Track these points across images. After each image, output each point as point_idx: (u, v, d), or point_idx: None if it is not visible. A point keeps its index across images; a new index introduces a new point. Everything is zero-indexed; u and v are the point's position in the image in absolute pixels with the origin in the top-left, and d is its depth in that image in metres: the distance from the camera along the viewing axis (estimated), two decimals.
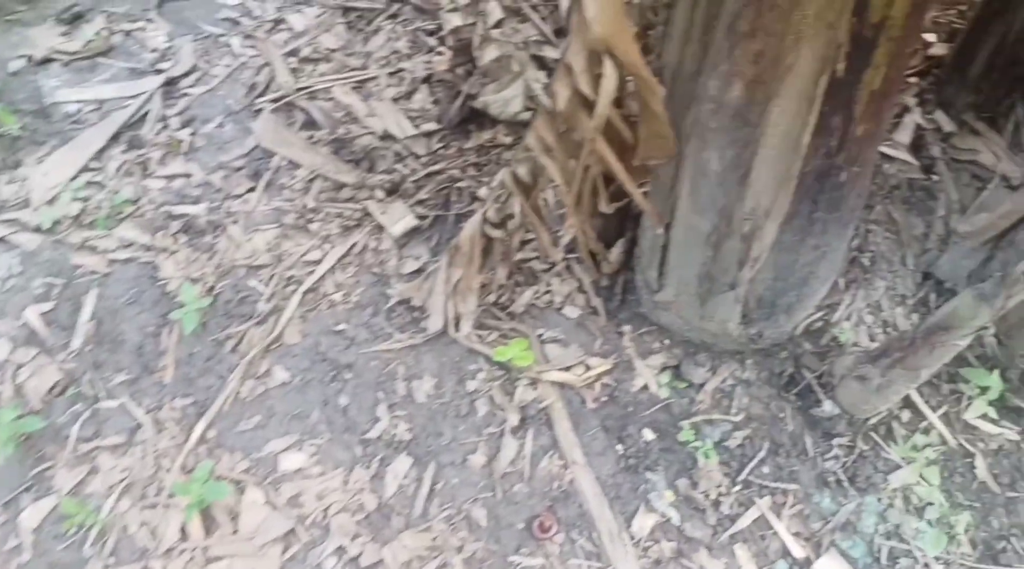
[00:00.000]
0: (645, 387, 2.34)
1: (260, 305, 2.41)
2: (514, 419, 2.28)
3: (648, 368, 2.35)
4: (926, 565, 2.08)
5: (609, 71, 1.55)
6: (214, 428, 2.24)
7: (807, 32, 1.43)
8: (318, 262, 2.48)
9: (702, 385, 2.32)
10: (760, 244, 1.88)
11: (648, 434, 2.28)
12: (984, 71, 2.35)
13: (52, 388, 2.27)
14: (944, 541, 2.10)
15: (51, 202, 2.51)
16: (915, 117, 2.51)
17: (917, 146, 2.51)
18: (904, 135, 2.51)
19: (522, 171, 1.96)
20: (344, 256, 2.50)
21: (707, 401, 2.29)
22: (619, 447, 2.26)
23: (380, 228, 2.53)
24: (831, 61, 1.47)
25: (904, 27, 1.47)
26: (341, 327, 2.39)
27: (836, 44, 1.44)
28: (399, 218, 2.51)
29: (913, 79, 2.63)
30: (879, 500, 2.17)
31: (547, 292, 2.45)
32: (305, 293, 2.43)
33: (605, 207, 1.96)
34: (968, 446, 2.21)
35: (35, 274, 2.45)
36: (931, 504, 2.13)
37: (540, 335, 2.41)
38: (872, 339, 2.29)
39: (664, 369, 2.36)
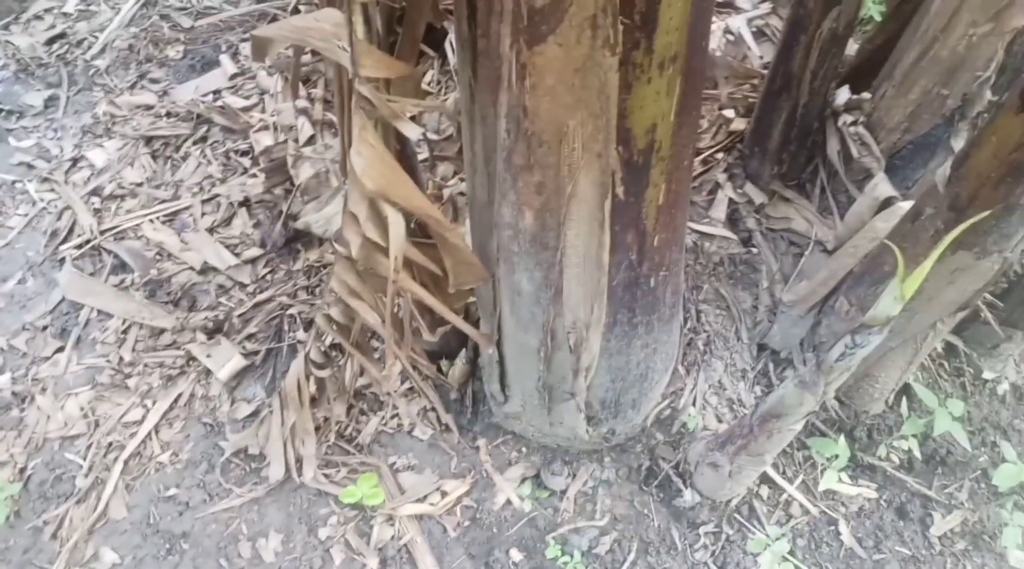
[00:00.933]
0: (508, 502, 2.32)
1: (79, 481, 2.24)
2: (374, 563, 2.20)
3: (508, 482, 2.34)
4: None
5: (393, 218, 1.57)
6: None
7: (579, 163, 1.50)
8: (140, 421, 2.34)
9: (563, 491, 2.33)
10: (588, 354, 1.93)
11: (516, 555, 2.25)
12: (781, 142, 2.53)
13: None
14: None
15: None
16: (727, 192, 2.67)
17: (733, 220, 2.66)
18: (719, 211, 2.66)
19: (335, 312, 1.94)
20: (169, 410, 2.38)
21: (571, 508, 2.29)
22: None
23: (207, 372, 2.43)
24: (609, 186, 1.54)
25: (673, 146, 1.55)
26: (172, 491, 2.25)
27: (609, 171, 1.51)
28: (226, 359, 2.42)
29: (720, 155, 2.80)
30: None
31: (394, 416, 2.41)
32: (127, 460, 2.28)
33: (429, 337, 1.96)
34: (830, 512, 2.31)
35: None
36: None
37: (392, 464, 2.36)
38: (719, 419, 2.37)
39: (524, 480, 2.35)
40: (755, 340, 2.48)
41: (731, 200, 2.73)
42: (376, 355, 2.38)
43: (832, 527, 2.29)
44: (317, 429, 2.24)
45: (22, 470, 2.26)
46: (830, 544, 2.27)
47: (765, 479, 2.32)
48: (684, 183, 1.78)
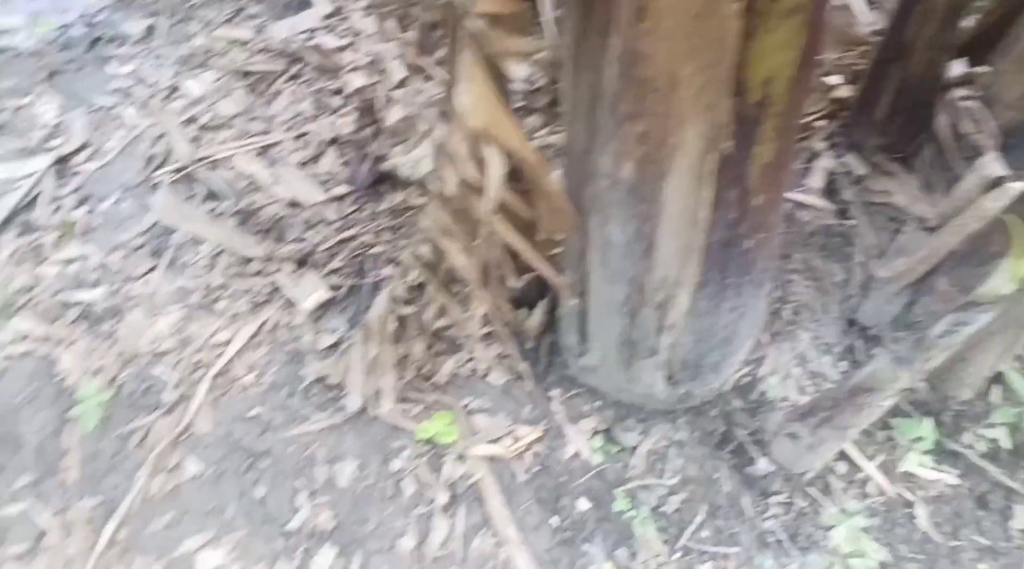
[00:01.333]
0: (577, 454, 2.36)
1: (166, 394, 2.38)
2: (443, 498, 2.29)
3: (579, 433, 2.38)
4: None
5: (493, 158, 1.59)
6: (124, 529, 2.21)
7: (688, 114, 1.48)
8: (227, 343, 2.47)
9: (635, 448, 2.35)
10: (675, 312, 1.93)
11: (583, 504, 2.30)
12: (889, 114, 2.44)
13: None
14: None
15: None
16: (826, 161, 2.59)
17: (830, 191, 2.59)
18: (816, 180, 2.58)
19: (424, 250, 1.99)
20: (255, 335, 2.49)
21: (641, 465, 2.32)
22: (554, 519, 2.28)
23: (291, 303, 2.53)
24: (716, 140, 1.52)
25: (788, 102, 1.52)
26: (255, 412, 2.37)
27: (719, 124, 1.49)
28: (311, 291, 2.51)
29: (821, 122, 2.71)
30: (821, 558, 2.22)
31: (470, 360, 2.47)
32: (214, 378, 2.41)
33: (514, 282, 1.99)
34: (907, 495, 2.27)
35: None
36: (874, 562, 2.19)
37: (466, 405, 2.42)
38: (801, 391, 2.34)
39: (596, 433, 2.39)
40: (844, 315, 2.43)
41: (829, 170, 2.66)
42: (458, 298, 2.43)
43: (908, 510, 2.26)
44: (396, 365, 2.31)
45: (113, 380, 2.41)
46: (904, 526, 2.24)
47: (843, 455, 2.30)
48: (792, 143, 1.74)
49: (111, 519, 2.21)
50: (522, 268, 2.08)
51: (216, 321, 2.50)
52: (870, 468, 2.29)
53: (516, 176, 1.83)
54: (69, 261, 2.60)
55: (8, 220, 2.69)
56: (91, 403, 2.28)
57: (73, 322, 2.48)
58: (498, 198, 1.70)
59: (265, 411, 2.37)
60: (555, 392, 2.44)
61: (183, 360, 2.43)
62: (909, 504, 2.26)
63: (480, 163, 1.67)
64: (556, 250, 2.10)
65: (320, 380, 2.42)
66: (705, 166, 1.57)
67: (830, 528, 2.24)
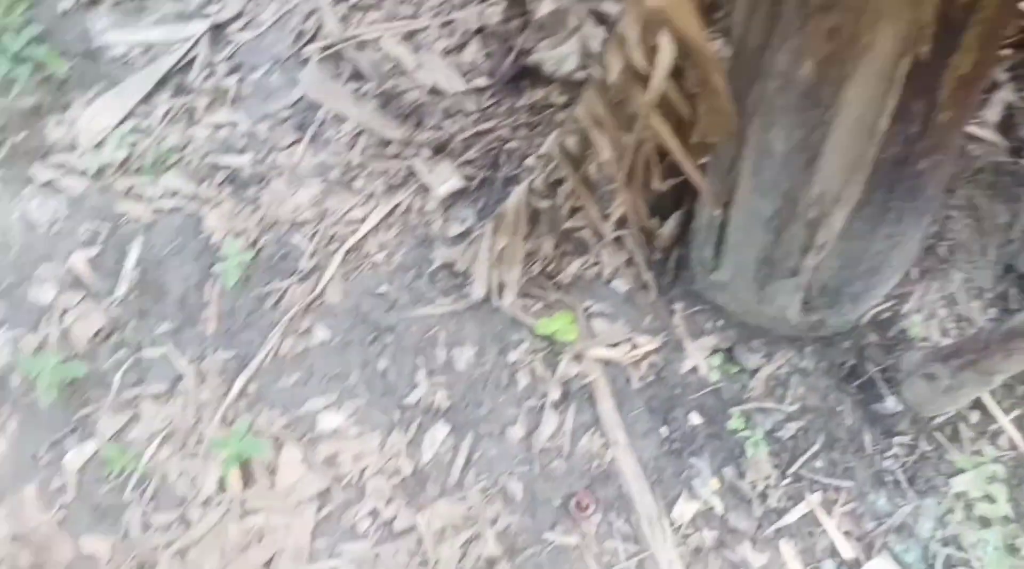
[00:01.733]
0: (694, 369, 2.35)
1: (302, 262, 2.49)
2: (555, 394, 2.33)
3: (699, 350, 2.37)
4: None
5: (665, 44, 1.54)
6: (254, 383, 2.37)
7: (889, 10, 1.39)
8: (361, 221, 2.54)
9: (755, 371, 2.33)
10: (827, 231, 1.86)
11: (695, 418, 2.31)
12: None
13: (97, 334, 2.41)
14: (1008, 560, 2.09)
15: (98, 147, 2.62)
16: (1006, 94, 2.39)
17: (1007, 126, 2.39)
18: (993, 113, 2.40)
19: (570, 142, 1.97)
20: (388, 215, 2.55)
21: (760, 388, 2.30)
22: (663, 430, 2.30)
23: (425, 188, 2.57)
24: (914, 42, 1.42)
25: (998, 9, 1.40)
26: (383, 289, 2.46)
27: (920, 24, 1.39)
28: (445, 178, 2.55)
29: (1007, 51, 2.49)
30: (939, 504, 2.17)
31: (596, 264, 2.47)
32: (347, 252, 2.50)
33: (659, 184, 1.96)
34: None
35: (81, 219, 2.59)
36: (996, 515, 2.12)
37: (587, 308, 2.44)
38: (944, 334, 2.24)
39: (715, 351, 2.37)
40: (1002, 260, 2.29)
41: (1009, 104, 2.47)
42: (595, 197, 2.41)
43: None
44: (523, 259, 2.34)
45: (254, 242, 2.53)
46: None
47: (978, 405, 2.21)
48: (993, 58, 1.62)
49: (243, 372, 2.36)
50: (667, 172, 2.05)
51: (353, 198, 2.57)
52: (1005, 421, 2.20)
53: (679, 73, 1.78)
54: (219, 126, 2.71)
55: (164, 80, 2.81)
56: (233, 262, 2.41)
57: (220, 184, 2.61)
58: (661, 90, 1.66)
59: (392, 289, 2.46)
60: (678, 306, 2.42)
61: (319, 232, 2.52)
62: None
63: (650, 50, 1.63)
64: (706, 157, 2.04)
65: (446, 266, 2.48)
66: (896, 71, 1.48)
67: (953, 474, 2.18)
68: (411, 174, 2.61)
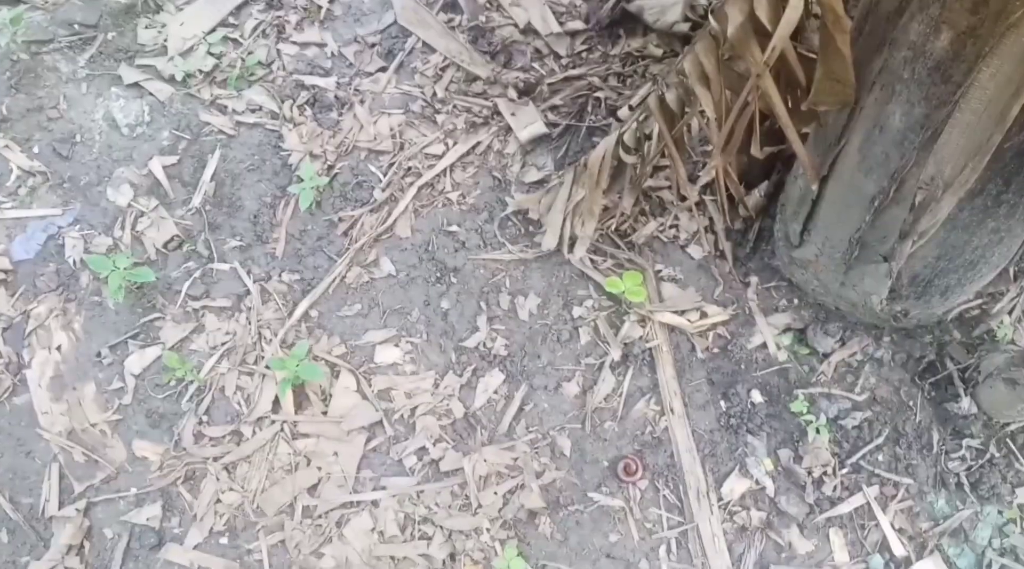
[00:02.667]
0: (763, 346, 2.28)
1: (376, 192, 2.46)
2: (616, 354, 2.29)
3: (770, 326, 2.29)
4: None
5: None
6: (317, 308, 2.37)
7: None
8: (440, 157, 2.50)
9: (827, 355, 2.25)
10: (931, 217, 1.75)
11: (757, 396, 2.25)
12: None
13: (168, 242, 2.43)
14: None
15: (186, 54, 2.60)
16: None
17: None
18: None
19: (670, 97, 1.88)
20: (466, 154, 2.50)
21: (830, 373, 2.22)
22: (722, 403, 2.25)
23: (507, 130, 2.51)
24: None
25: None
26: (453, 228, 2.42)
27: None
28: (528, 122, 2.48)
29: None
30: (1000, 513, 2.09)
31: (673, 226, 2.39)
32: (421, 187, 2.46)
33: (757, 150, 1.87)
34: None
35: (164, 125, 2.58)
36: None
37: (658, 271, 2.37)
38: None
39: (787, 330, 2.30)
40: None
41: None
42: (685, 156, 2.33)
43: None
44: (600, 213, 2.28)
45: (330, 167, 2.51)
46: None
47: None
48: None
49: (307, 296, 2.36)
50: (767, 139, 1.96)
51: (433, 132, 2.52)
52: None
53: (797, 34, 1.67)
54: (307, 45, 2.67)
55: None
56: (308, 185, 2.39)
57: (302, 105, 2.58)
58: (781, 48, 1.57)
59: (463, 230, 2.42)
60: (753, 279, 2.34)
61: (396, 163, 2.49)
62: None
63: (775, 4, 1.53)
64: (811, 126, 1.94)
65: (520, 212, 2.43)
66: None
67: (1020, 485, 2.09)
68: (495, 114, 2.55)
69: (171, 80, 2.62)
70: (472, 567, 2.09)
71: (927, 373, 2.17)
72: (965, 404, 2.10)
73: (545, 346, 2.31)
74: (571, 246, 2.35)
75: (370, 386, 2.26)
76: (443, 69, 2.61)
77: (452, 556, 2.09)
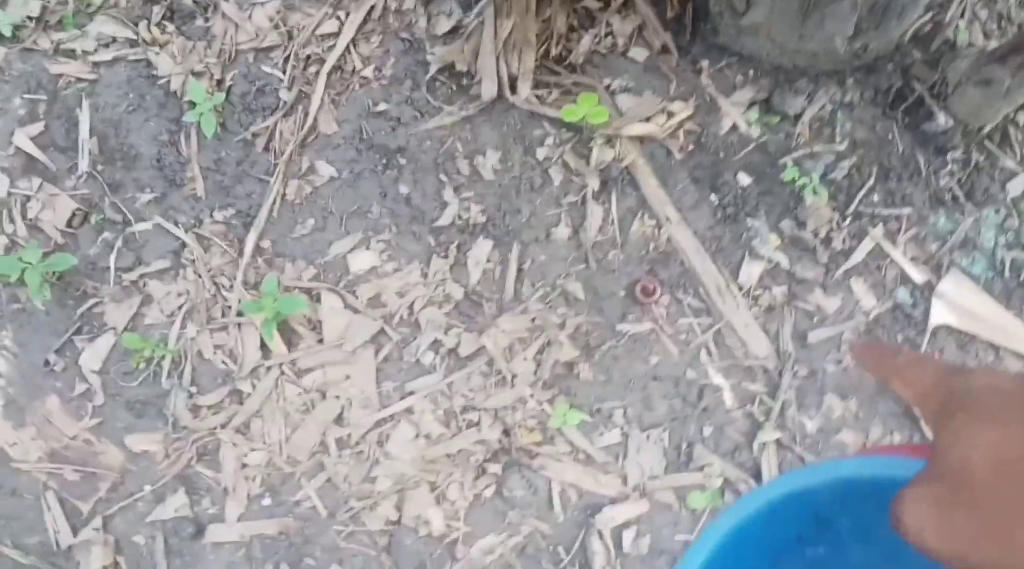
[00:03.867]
0: (734, 128, 2.17)
1: (282, 94, 2.13)
2: (595, 183, 2.13)
3: (734, 106, 2.17)
4: None
5: None
6: (267, 238, 2.08)
7: None
8: (336, 34, 2.17)
9: (798, 116, 2.15)
10: None
11: (744, 178, 2.15)
12: None
13: (71, 219, 2.05)
14: None
15: (3, 3, 2.13)
16: None
17: None
18: None
19: None
20: (363, 23, 2.18)
21: (806, 133, 2.14)
22: (714, 197, 2.14)
23: None
24: None
25: None
26: (381, 107, 2.14)
27: None
28: None
29: None
30: (997, 212, 2.11)
31: (608, 34, 2.19)
32: (330, 73, 2.15)
33: None
34: None
35: (11, 93, 2.13)
36: None
37: (608, 86, 2.19)
38: (986, 36, 2.10)
39: (752, 104, 2.18)
40: None
41: None
42: None
43: None
44: (535, 42, 2.05)
45: (220, 82, 2.15)
46: None
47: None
48: None
49: (251, 229, 2.06)
50: None
51: (319, 9, 2.18)
52: None
53: None
54: None
55: None
56: (204, 107, 2.04)
57: (160, 21, 2.17)
58: None
59: (392, 106, 2.14)
60: (703, 64, 2.19)
61: (292, 55, 2.15)
62: None
63: None
64: None
65: (446, 68, 2.16)
66: None
67: (1008, 180, 2.11)
68: None
69: None
70: (529, 435, 1.97)
71: (897, 102, 2.11)
72: (941, 120, 2.07)
73: (521, 198, 2.12)
74: (512, 87, 2.13)
75: (357, 298, 2.03)
76: None
77: (506, 432, 1.96)
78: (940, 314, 2.05)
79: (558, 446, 1.95)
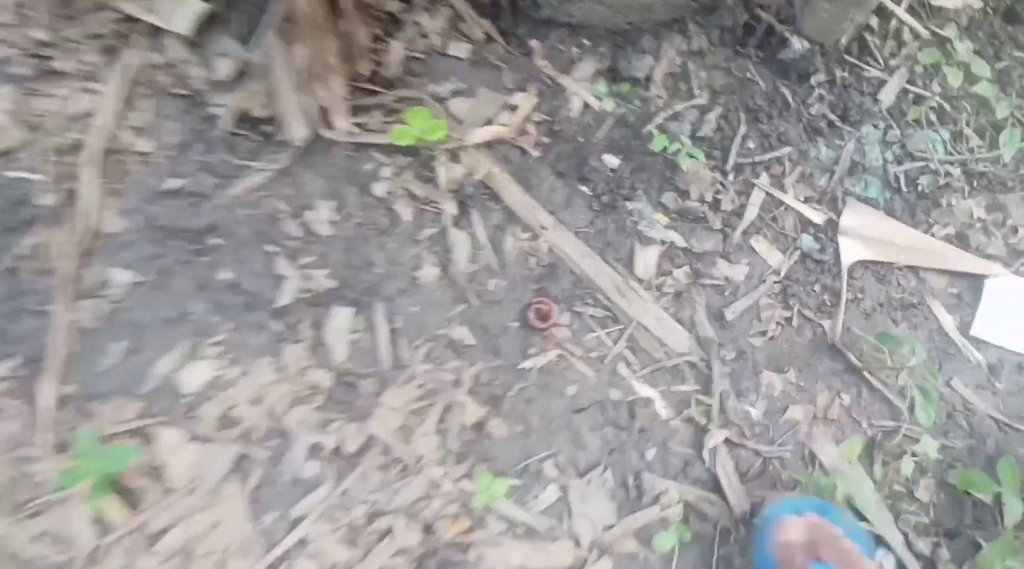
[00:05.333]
0: (586, 107, 1.74)
1: (43, 199, 1.56)
2: (451, 207, 1.65)
3: (578, 83, 1.74)
4: (945, 170, 1.77)
5: None
6: (69, 382, 1.49)
7: None
8: (93, 112, 1.61)
9: (648, 78, 1.75)
10: None
11: (611, 160, 1.73)
12: None
13: None
14: (943, 144, 1.79)
15: None
16: None
17: None
18: None
19: None
20: (125, 90, 1.63)
21: (663, 94, 1.74)
22: (585, 188, 1.71)
23: (155, 31, 1.64)
24: None
25: None
26: (172, 184, 1.56)
27: None
28: (176, 7, 1.64)
29: None
30: (876, 126, 1.78)
31: (421, 36, 1.71)
32: (98, 159, 1.58)
33: None
34: (941, 32, 1.84)
35: None
36: (928, 104, 1.78)
37: (435, 94, 1.71)
38: None
39: (597, 76, 1.76)
40: None
41: None
42: None
43: (946, 46, 1.84)
44: (339, 63, 1.56)
45: None
46: (934, 73, 1.83)
47: (876, 11, 1.81)
48: None
49: (43, 376, 1.48)
50: None
51: (63, 87, 1.60)
52: (901, 12, 1.82)
53: None
54: None
55: None
56: None
57: None
58: None
59: (186, 180, 1.57)
60: (533, 44, 1.74)
61: (40, 149, 1.56)
62: (945, 40, 1.83)
63: None
64: None
65: (241, 119, 1.62)
66: None
67: (877, 91, 1.80)
68: (128, 20, 1.66)
69: None
70: (454, 525, 1.50)
71: (747, 37, 1.74)
72: (796, 45, 1.71)
73: (371, 247, 1.62)
74: (326, 122, 1.63)
75: (201, 423, 1.49)
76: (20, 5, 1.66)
77: (427, 529, 1.47)
78: (850, 251, 1.71)
79: (491, 527, 1.48)
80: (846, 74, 1.77)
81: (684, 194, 1.69)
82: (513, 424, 1.52)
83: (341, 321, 1.56)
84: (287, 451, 1.47)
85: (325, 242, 1.59)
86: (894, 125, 1.76)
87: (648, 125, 1.70)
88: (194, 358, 1.51)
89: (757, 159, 1.72)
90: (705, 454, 1.54)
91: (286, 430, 1.47)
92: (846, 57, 1.77)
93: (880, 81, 1.78)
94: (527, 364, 1.56)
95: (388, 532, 1.43)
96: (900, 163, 1.75)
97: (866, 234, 1.71)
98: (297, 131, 1.57)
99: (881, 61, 1.78)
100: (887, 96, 1.77)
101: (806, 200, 1.73)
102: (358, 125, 1.63)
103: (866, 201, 1.73)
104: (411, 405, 1.52)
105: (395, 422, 1.50)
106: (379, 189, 1.62)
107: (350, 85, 1.62)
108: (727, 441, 1.55)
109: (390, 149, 1.62)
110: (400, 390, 1.52)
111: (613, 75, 1.74)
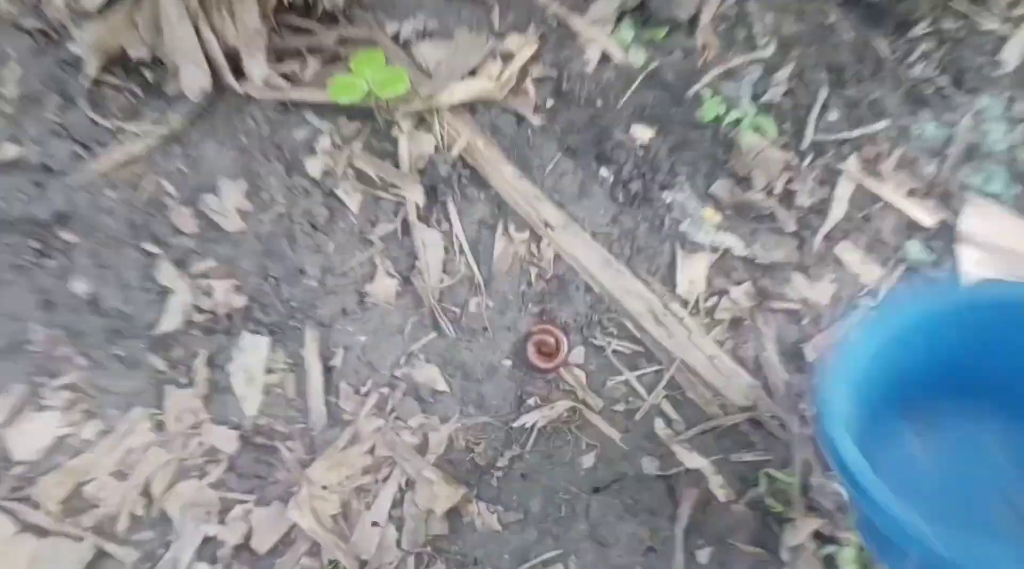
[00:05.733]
0: (604, 59, 1.26)
1: None
2: (415, 194, 1.16)
3: (595, 26, 1.26)
4: None
5: None
6: None
7: None
8: None
9: (693, 21, 1.28)
10: None
11: (642, 132, 1.24)
12: None
13: None
14: None
15: None
16: None
17: None
18: None
19: None
20: None
21: (713, 43, 1.26)
22: (604, 171, 1.23)
23: None
24: None
25: None
26: (9, 152, 1.07)
27: None
28: None
29: None
30: (998, 95, 1.31)
31: None
32: None
33: None
34: None
35: None
36: None
37: (396, 35, 1.23)
38: None
39: (621, 17, 1.28)
40: None
41: None
42: None
43: None
44: None
45: None
46: None
47: None
48: None
49: None
50: None
51: None
52: None
53: None
54: None
55: None
56: None
57: None
58: None
59: (28, 149, 1.08)
60: None
61: None
62: None
63: None
64: None
65: (112, 62, 1.13)
66: None
67: (997, 49, 1.32)
68: None
69: None
70: None
71: None
72: None
73: (301, 250, 1.12)
74: (237, 69, 1.13)
75: (39, 508, 0.98)
76: None
77: None
78: (973, 266, 1.23)
79: None
80: (957, 25, 1.29)
81: (744, 182, 1.22)
82: (504, 512, 1.02)
83: (253, 356, 1.07)
84: (163, 550, 0.95)
85: (232, 241, 1.09)
86: (1022, 95, 1.29)
87: (693, 86, 1.21)
88: (28, 409, 1.00)
89: (843, 136, 1.24)
90: (784, 555, 1.03)
91: (167, 514, 0.96)
92: (950, 4, 1.29)
93: (1001, 37, 1.31)
94: (524, 421, 1.07)
95: None
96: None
97: (991, 241, 1.23)
98: (192, 81, 1.09)
99: (999, 14, 1.31)
100: (1011, 55, 1.30)
101: (910, 193, 1.25)
102: (283, 75, 1.15)
103: (991, 196, 1.25)
104: (353, 481, 1.02)
105: (329, 507, 1.00)
106: (313, 166, 1.13)
107: (272, 16, 1.10)
108: (817, 535, 1.04)
109: (330, 110, 1.14)
110: (337, 458, 1.01)
111: (644, 16, 1.26)
